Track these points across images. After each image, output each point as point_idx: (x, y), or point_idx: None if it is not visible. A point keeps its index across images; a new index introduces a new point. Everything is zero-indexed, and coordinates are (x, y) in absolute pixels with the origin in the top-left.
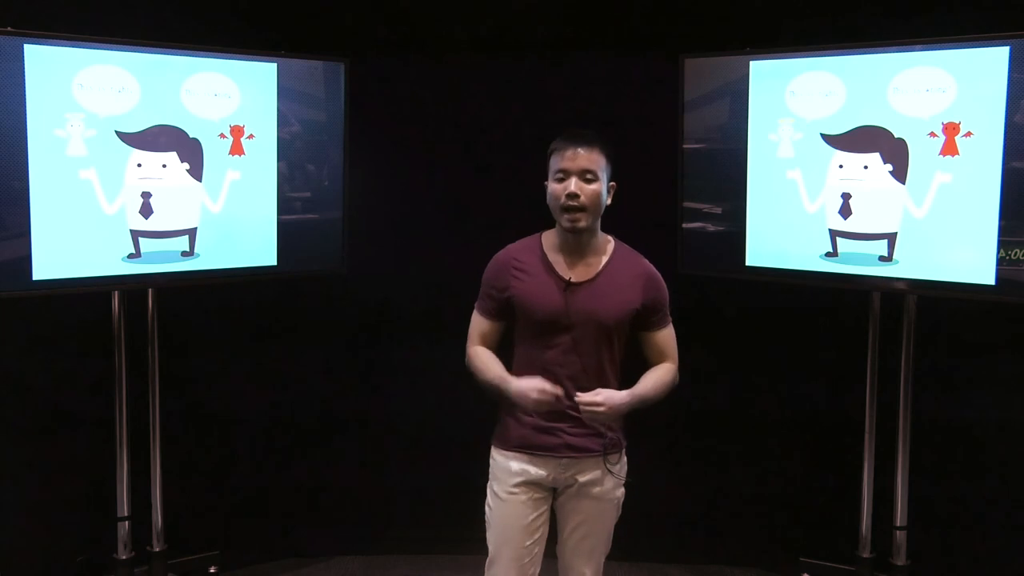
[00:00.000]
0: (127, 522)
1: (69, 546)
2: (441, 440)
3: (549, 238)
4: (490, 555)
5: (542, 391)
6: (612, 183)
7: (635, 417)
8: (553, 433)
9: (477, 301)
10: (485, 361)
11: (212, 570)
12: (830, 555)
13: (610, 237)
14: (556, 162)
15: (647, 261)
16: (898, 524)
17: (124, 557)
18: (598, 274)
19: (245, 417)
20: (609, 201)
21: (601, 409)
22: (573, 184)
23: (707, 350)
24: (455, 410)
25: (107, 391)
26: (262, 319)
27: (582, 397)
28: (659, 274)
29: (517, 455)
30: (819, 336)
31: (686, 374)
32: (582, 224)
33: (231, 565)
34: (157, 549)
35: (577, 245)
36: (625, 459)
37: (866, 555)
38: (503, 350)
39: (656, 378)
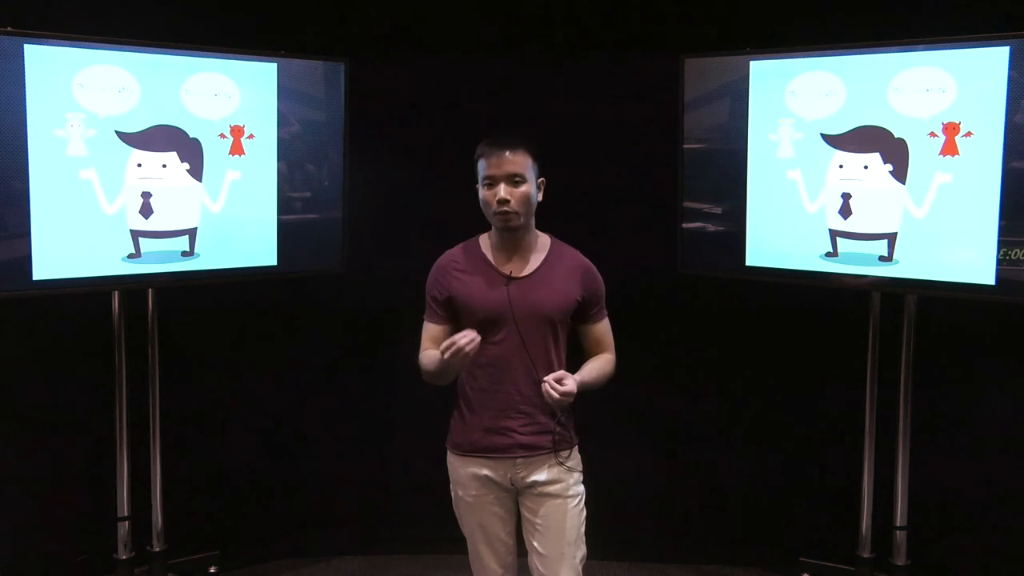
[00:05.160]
0: (127, 522)
1: (69, 546)
2: (441, 440)
3: (486, 239)
4: (471, 550)
5: (449, 349)
6: (541, 179)
7: (635, 417)
8: (504, 434)
9: (424, 312)
10: (429, 355)
11: (212, 570)
12: (830, 555)
13: (547, 235)
14: (483, 168)
15: (584, 256)
16: (898, 524)
17: (124, 557)
18: (537, 268)
19: (245, 417)
20: (540, 197)
21: (571, 390)
22: (502, 190)
23: (707, 350)
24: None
25: (107, 391)
26: (262, 319)
27: (553, 386)
28: (595, 268)
29: (471, 459)
30: (819, 336)
31: (687, 374)
32: (514, 223)
33: (231, 565)
34: (157, 549)
35: (514, 243)
36: (578, 455)
37: (866, 555)
38: None
39: (597, 367)
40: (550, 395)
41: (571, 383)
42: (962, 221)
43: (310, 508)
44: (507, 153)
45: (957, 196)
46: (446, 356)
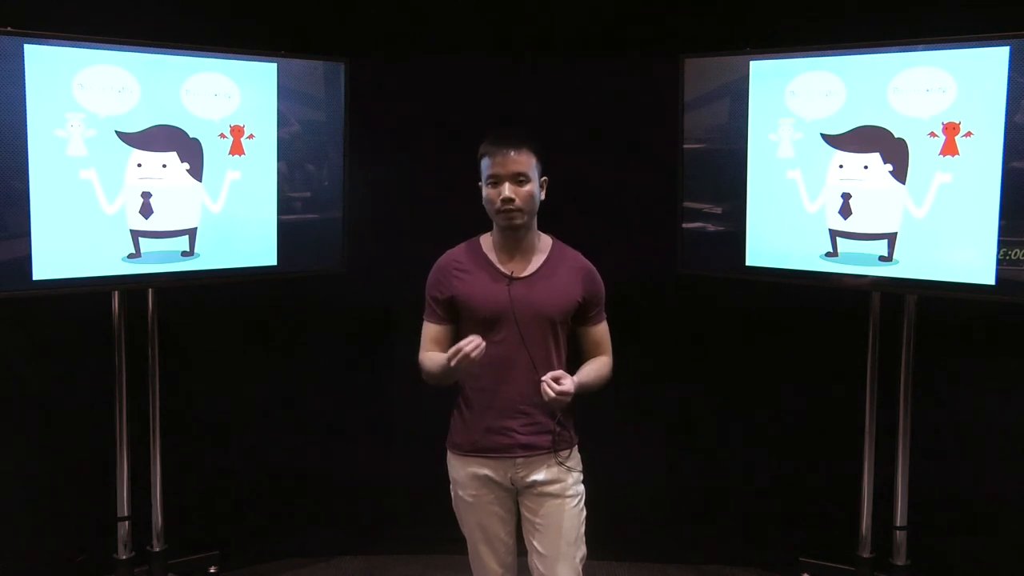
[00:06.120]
0: (127, 522)
1: (69, 546)
2: (441, 440)
3: (488, 239)
4: (471, 550)
5: (455, 356)
6: (544, 178)
7: (635, 417)
8: (504, 434)
9: (424, 312)
10: (432, 358)
11: (212, 570)
12: (830, 555)
13: (549, 235)
14: (487, 166)
15: (584, 258)
16: (898, 524)
17: (124, 557)
18: (539, 268)
19: (245, 417)
20: (543, 196)
21: (568, 389)
22: (507, 189)
23: (707, 350)
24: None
25: (107, 391)
26: (262, 319)
27: (551, 384)
28: (596, 270)
29: (471, 459)
30: (819, 336)
31: (686, 374)
32: (518, 221)
33: (231, 565)
34: (157, 549)
35: (516, 242)
36: (578, 455)
37: (866, 555)
38: None
39: (595, 369)
40: (547, 393)
41: (568, 383)
42: (962, 221)
43: (310, 508)
44: (511, 152)
45: (957, 196)
46: (452, 363)
